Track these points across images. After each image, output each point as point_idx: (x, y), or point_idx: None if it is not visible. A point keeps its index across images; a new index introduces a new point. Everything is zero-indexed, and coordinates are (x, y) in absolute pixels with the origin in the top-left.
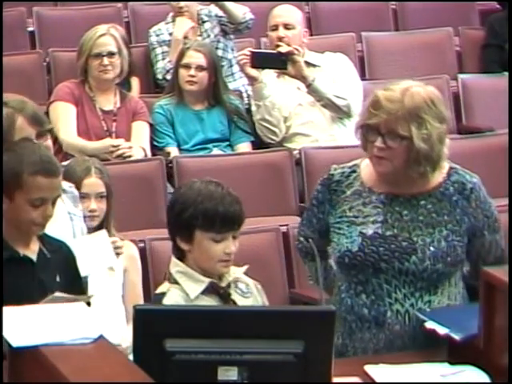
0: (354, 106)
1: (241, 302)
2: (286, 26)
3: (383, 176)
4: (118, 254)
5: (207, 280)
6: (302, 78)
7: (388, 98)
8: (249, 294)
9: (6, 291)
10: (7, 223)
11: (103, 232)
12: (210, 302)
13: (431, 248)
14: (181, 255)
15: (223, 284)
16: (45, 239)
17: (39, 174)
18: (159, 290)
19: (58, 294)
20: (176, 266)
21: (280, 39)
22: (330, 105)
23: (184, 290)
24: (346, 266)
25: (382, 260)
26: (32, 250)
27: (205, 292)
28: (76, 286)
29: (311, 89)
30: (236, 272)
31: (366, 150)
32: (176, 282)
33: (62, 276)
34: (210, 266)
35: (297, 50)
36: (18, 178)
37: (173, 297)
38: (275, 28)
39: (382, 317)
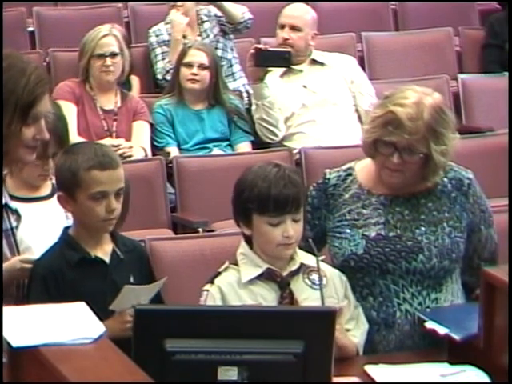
0: None
1: (303, 292)
2: (293, 28)
3: (393, 185)
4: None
5: (265, 266)
6: None
7: (409, 117)
8: (322, 286)
9: (79, 293)
10: (78, 225)
11: None
12: (266, 288)
13: (436, 245)
14: (249, 239)
15: (284, 272)
16: (119, 240)
17: (94, 169)
18: (220, 268)
19: (128, 286)
20: (241, 248)
21: (284, 40)
22: None
23: (240, 272)
24: (351, 270)
25: (388, 261)
26: (105, 251)
27: (262, 278)
28: None
29: None
30: (306, 260)
31: (374, 158)
32: (236, 264)
33: (135, 277)
34: (270, 249)
35: None
36: (76, 177)
37: (227, 277)
38: (282, 27)
39: (391, 318)
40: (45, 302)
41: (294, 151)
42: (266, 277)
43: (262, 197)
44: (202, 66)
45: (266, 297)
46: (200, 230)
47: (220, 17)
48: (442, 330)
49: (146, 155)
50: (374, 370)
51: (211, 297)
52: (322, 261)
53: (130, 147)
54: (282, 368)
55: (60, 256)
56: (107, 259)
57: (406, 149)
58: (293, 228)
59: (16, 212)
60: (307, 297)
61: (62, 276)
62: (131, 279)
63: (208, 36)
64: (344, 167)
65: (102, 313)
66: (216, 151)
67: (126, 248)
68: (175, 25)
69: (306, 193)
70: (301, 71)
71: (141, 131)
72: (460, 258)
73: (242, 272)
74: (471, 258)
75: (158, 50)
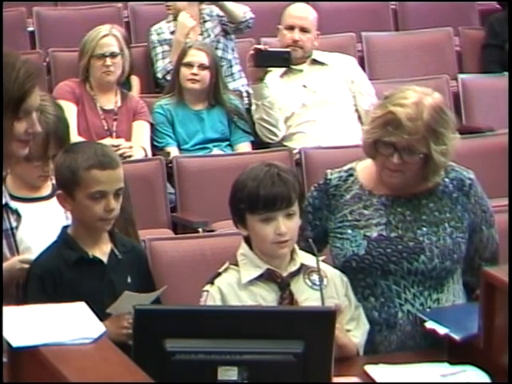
0: None
1: (303, 293)
2: (303, 29)
3: (393, 185)
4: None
5: (265, 266)
6: None
7: (408, 117)
8: (323, 286)
9: (77, 292)
10: (76, 224)
11: None
12: (266, 289)
13: (438, 246)
14: (248, 239)
15: (284, 273)
16: (118, 240)
17: (94, 168)
18: (220, 269)
19: (127, 292)
20: (241, 248)
21: (295, 42)
22: None
23: (240, 272)
24: (352, 270)
25: (390, 261)
26: (103, 251)
27: (262, 279)
28: (147, 288)
29: None
30: (306, 261)
31: (375, 159)
32: (237, 264)
33: (133, 277)
34: (265, 248)
35: None
36: (75, 175)
37: (227, 278)
38: (290, 28)
39: (393, 318)
40: (42, 301)
41: (294, 151)
42: (266, 277)
43: (252, 196)
44: (202, 66)
45: (265, 297)
46: (200, 229)
47: (222, 16)
48: (442, 330)
49: (146, 155)
50: (374, 370)
51: (211, 297)
52: (323, 261)
53: (130, 147)
54: (281, 368)
55: (58, 255)
56: (105, 259)
57: (405, 149)
58: (285, 225)
59: (16, 212)
60: (307, 297)
61: (59, 275)
62: (128, 279)
63: (209, 36)
64: (345, 168)
65: (99, 313)
66: (216, 151)
67: (124, 248)
68: (181, 27)
69: (301, 190)
70: (301, 71)
71: (141, 131)
72: (461, 258)
73: (242, 272)
74: (472, 258)
75: (159, 49)
